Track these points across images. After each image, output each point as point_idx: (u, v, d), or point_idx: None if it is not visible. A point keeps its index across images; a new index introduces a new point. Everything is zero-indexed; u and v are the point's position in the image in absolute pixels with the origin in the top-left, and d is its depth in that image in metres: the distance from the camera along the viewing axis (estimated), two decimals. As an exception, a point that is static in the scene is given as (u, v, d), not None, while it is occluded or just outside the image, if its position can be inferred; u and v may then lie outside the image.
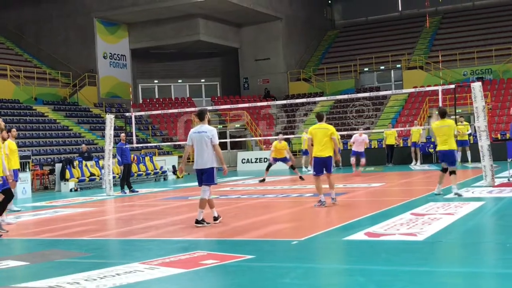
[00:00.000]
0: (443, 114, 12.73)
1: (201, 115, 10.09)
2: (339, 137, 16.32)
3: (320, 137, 11.82)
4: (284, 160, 20.95)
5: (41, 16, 37.56)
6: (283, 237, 8.66)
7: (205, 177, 9.89)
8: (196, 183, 10.20)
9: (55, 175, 22.30)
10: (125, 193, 18.68)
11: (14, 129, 14.33)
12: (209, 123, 10.29)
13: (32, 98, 32.48)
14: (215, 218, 10.06)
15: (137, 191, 19.04)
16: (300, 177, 19.95)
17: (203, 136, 9.85)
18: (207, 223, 9.89)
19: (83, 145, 25.47)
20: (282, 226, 9.74)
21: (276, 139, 21.36)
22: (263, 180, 20.19)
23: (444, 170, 12.75)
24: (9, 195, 10.25)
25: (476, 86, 14.57)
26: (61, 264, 7.35)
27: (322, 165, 11.83)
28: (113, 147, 19.17)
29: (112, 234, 10.19)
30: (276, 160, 20.91)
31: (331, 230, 8.88)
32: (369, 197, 14.02)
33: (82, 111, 33.89)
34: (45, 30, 37.55)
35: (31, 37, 38.02)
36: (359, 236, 8.09)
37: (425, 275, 5.91)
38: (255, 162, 31.47)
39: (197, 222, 9.86)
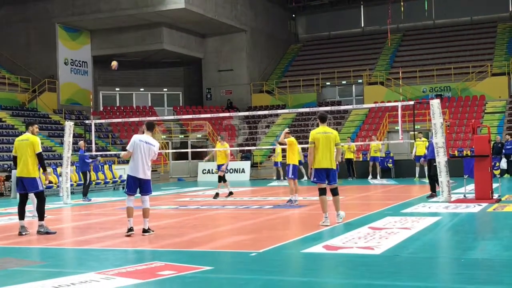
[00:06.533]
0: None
1: (151, 127, 10.50)
2: (299, 149, 17.39)
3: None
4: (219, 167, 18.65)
5: (1, 20, 36.82)
6: (241, 248, 8.63)
7: (146, 187, 10.34)
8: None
9: (11, 181, 21.85)
10: (90, 200, 18.55)
11: None
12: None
13: (-10, 102, 31.87)
14: (145, 230, 10.14)
15: (90, 200, 18.80)
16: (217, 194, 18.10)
17: (152, 148, 10.31)
18: (152, 231, 10.19)
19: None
20: (241, 238, 9.72)
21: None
22: (231, 193, 18.29)
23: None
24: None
25: (435, 103, 14.83)
26: (15, 272, 7.19)
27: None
28: (72, 155, 18.91)
29: (68, 243, 10.03)
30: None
31: (290, 242, 8.90)
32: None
33: (41, 117, 33.32)
34: (5, 34, 36.79)
35: (-10, 40, 37.30)
36: (318, 248, 8.13)
37: (382, 288, 5.96)
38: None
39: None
